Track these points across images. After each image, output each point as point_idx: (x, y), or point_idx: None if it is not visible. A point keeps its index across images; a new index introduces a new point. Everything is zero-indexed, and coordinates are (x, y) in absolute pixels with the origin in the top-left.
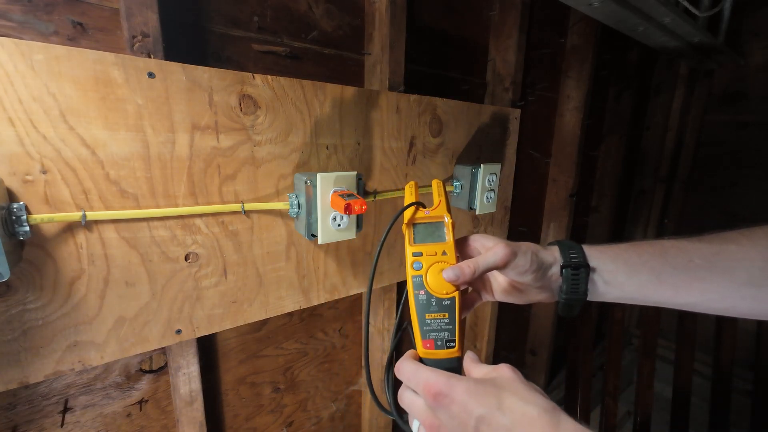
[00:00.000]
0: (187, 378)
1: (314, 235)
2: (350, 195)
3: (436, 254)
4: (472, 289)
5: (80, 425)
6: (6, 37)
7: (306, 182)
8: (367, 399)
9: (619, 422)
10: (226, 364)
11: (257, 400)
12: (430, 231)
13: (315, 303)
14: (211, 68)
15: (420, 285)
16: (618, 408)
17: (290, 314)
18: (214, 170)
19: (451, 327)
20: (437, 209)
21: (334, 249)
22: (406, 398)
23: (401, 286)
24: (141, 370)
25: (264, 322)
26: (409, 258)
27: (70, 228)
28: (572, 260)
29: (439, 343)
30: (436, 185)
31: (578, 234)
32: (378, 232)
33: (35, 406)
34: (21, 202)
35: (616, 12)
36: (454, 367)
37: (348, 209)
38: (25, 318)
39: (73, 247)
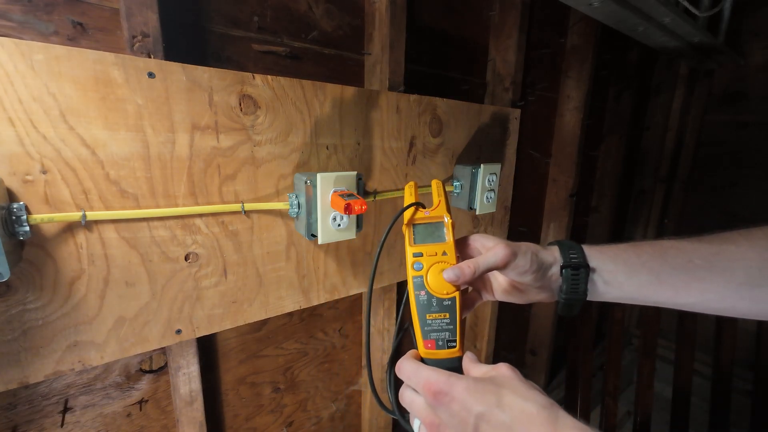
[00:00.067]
0: (187, 378)
1: (314, 235)
2: (350, 195)
3: (436, 254)
4: (472, 288)
5: (80, 425)
6: (6, 37)
7: (306, 182)
8: (367, 399)
9: (619, 422)
10: (226, 364)
11: (257, 400)
12: (430, 231)
13: (315, 303)
14: (211, 68)
15: (421, 285)
16: (618, 408)
17: (290, 314)
18: (214, 170)
19: (452, 327)
20: (437, 209)
21: (334, 249)
22: (406, 397)
23: (401, 286)
24: (141, 370)
25: (264, 322)
26: (409, 258)
27: (70, 228)
28: (572, 260)
29: (440, 343)
30: (435, 185)
31: (578, 234)
32: (378, 232)
33: (35, 406)
34: (21, 202)
35: (616, 12)
36: (456, 366)
37: (348, 209)
38: (25, 318)
39: (73, 247)
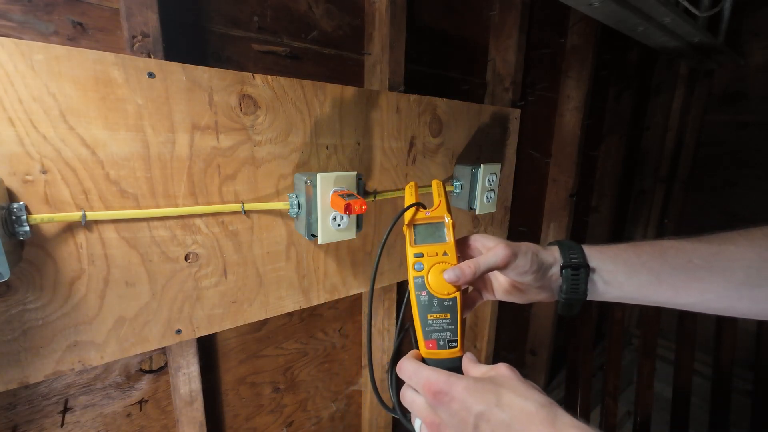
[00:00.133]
0: (187, 378)
1: (314, 235)
2: (350, 195)
3: (437, 255)
4: (473, 288)
5: (80, 425)
6: (6, 37)
7: (306, 182)
8: (367, 399)
9: (619, 422)
10: (226, 364)
11: (257, 400)
12: (430, 232)
13: (315, 303)
14: (211, 68)
15: (422, 286)
16: (618, 408)
17: (290, 314)
18: (214, 170)
19: (452, 327)
20: (437, 210)
21: (334, 249)
22: (407, 397)
23: (401, 286)
24: (141, 370)
25: (264, 322)
26: (410, 259)
27: (70, 228)
28: (572, 260)
29: (441, 343)
30: (436, 186)
31: (578, 234)
32: (378, 232)
33: (35, 406)
34: (21, 202)
35: (616, 12)
36: (457, 366)
37: (348, 209)
38: (25, 318)
39: (73, 247)
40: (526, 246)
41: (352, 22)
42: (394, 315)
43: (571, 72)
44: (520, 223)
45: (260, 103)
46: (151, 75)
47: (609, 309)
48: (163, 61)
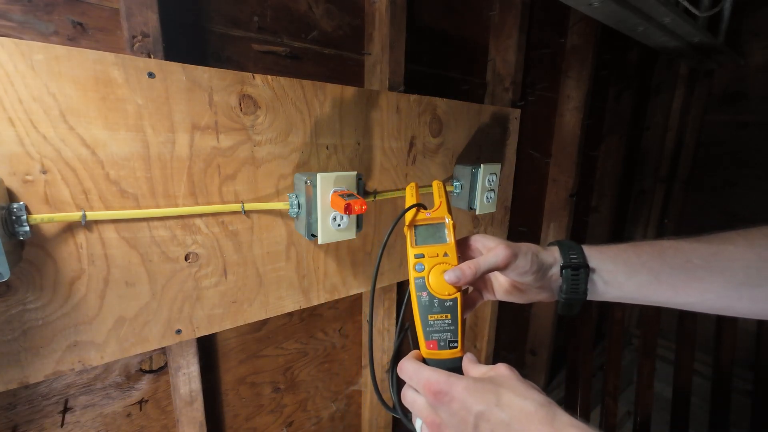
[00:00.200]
0: (187, 378)
1: (314, 235)
2: (350, 195)
3: (437, 256)
4: (473, 288)
5: (80, 425)
6: (6, 37)
7: (306, 182)
8: (367, 399)
9: (619, 422)
10: (226, 364)
11: (257, 400)
12: (431, 232)
13: (315, 303)
14: (211, 68)
15: (422, 287)
16: (618, 408)
17: (290, 314)
18: (214, 170)
19: (453, 328)
20: (438, 210)
21: (334, 249)
22: (408, 397)
23: (401, 286)
24: (141, 370)
25: (264, 322)
26: (411, 260)
27: (70, 228)
28: (572, 261)
29: (442, 343)
30: (436, 186)
31: (578, 234)
32: (378, 232)
33: (35, 406)
34: (21, 202)
35: (616, 12)
36: (458, 367)
37: (348, 209)
38: (25, 318)
39: (73, 247)
40: (526, 246)
41: (352, 22)
42: (394, 315)
43: (571, 72)
44: (520, 223)
45: (260, 103)
46: (151, 75)
47: (609, 309)
48: (163, 61)
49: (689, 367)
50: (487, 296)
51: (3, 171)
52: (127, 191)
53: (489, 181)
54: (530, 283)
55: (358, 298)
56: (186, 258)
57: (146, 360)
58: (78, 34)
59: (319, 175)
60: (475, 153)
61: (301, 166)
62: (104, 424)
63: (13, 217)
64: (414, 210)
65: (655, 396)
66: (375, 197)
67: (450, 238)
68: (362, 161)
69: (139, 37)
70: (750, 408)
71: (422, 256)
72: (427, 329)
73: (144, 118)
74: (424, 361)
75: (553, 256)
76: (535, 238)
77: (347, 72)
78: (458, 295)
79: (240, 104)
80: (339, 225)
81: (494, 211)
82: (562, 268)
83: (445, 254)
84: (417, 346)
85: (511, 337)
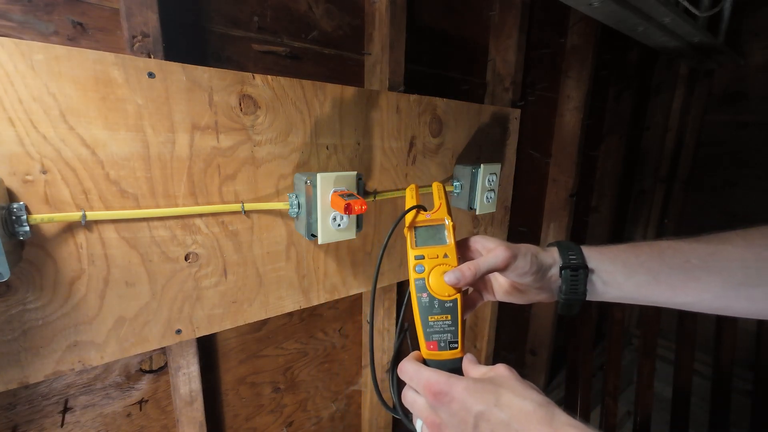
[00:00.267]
0: (187, 378)
1: (314, 235)
2: (350, 195)
3: (437, 257)
4: (473, 289)
5: (80, 425)
6: (6, 37)
7: (306, 182)
8: (367, 399)
9: (619, 422)
10: (226, 364)
11: (257, 400)
12: (431, 234)
13: (315, 303)
14: (211, 68)
15: (423, 288)
16: (618, 408)
17: (290, 314)
18: (214, 170)
19: (453, 328)
20: (438, 212)
21: (334, 249)
22: (408, 398)
23: (401, 286)
24: (141, 370)
25: (264, 322)
26: (411, 261)
27: (70, 228)
28: (571, 262)
29: (442, 344)
30: (436, 188)
31: (578, 234)
32: (378, 232)
33: (35, 406)
34: (21, 202)
35: (616, 12)
36: (458, 367)
37: (348, 209)
38: (25, 318)
39: (73, 247)
40: (525, 247)
41: (352, 22)
42: (394, 315)
43: (571, 72)
44: (520, 223)
45: (260, 103)
46: (151, 75)
47: (609, 309)
48: (163, 61)
49: (689, 367)
50: (487, 297)
51: (3, 171)
52: (127, 191)
53: (489, 181)
54: (530, 283)
55: (358, 298)
56: (186, 258)
57: (146, 360)
58: (78, 34)
59: (319, 175)
60: (475, 153)
61: (301, 166)
62: (104, 424)
63: (13, 217)
64: (414, 212)
65: (655, 396)
66: (375, 197)
67: (450, 239)
68: (362, 161)
69: (139, 37)
70: (750, 408)
71: (422, 257)
72: (428, 330)
73: (144, 118)
74: (425, 361)
75: (552, 256)
76: (535, 238)
77: (347, 72)
78: (458, 296)
79: (240, 104)
80: (339, 225)
81: (494, 211)
82: (561, 268)
83: (445, 255)
84: (417, 347)
85: (511, 337)
